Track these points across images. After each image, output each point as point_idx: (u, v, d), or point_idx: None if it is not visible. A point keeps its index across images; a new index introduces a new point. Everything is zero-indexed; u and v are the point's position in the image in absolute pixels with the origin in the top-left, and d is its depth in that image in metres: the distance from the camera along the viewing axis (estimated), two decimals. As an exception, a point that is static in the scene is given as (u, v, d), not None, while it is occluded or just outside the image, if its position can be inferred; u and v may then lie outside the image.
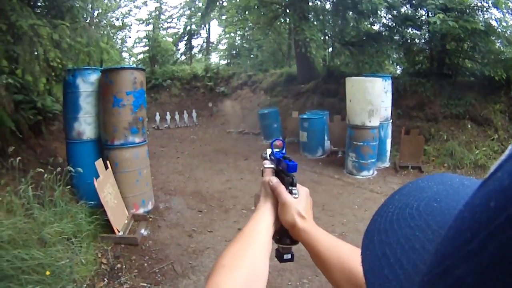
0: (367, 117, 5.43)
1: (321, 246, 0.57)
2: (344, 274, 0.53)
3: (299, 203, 0.61)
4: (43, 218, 2.93)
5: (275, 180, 0.63)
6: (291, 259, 0.63)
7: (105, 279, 2.81)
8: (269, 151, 0.72)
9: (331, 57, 8.41)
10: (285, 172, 0.64)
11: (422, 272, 0.19)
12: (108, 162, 3.58)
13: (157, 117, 9.49)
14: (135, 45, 13.47)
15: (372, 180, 5.43)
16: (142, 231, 3.58)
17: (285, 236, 0.62)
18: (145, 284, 2.78)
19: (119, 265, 3.01)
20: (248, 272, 0.51)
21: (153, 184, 4.95)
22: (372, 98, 5.36)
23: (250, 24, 10.13)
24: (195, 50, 14.84)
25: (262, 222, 0.60)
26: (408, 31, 7.23)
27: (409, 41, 7.35)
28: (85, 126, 3.76)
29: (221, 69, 12.06)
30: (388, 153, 6.11)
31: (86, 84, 3.68)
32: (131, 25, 11.78)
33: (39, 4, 3.50)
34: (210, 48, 14.59)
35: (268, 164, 0.69)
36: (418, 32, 7.21)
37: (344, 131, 5.92)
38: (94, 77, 3.70)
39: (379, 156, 5.87)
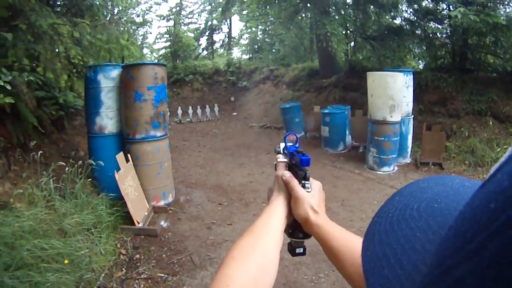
0: (388, 112, 5.25)
1: (333, 241, 0.56)
2: (357, 268, 0.51)
3: (312, 197, 0.60)
4: (64, 209, 3.01)
5: (288, 174, 0.63)
6: (303, 253, 0.63)
7: (123, 269, 2.85)
8: (282, 145, 0.71)
9: (353, 52, 8.10)
10: (298, 166, 0.63)
11: (423, 272, 0.19)
12: (129, 156, 3.63)
13: (179, 111, 9.59)
14: (156, 41, 13.71)
15: (392, 176, 5.25)
16: (162, 223, 3.61)
17: (297, 230, 0.62)
18: (162, 275, 2.80)
19: (137, 256, 3.05)
20: (258, 265, 0.50)
21: (174, 177, 5.00)
22: (394, 93, 5.17)
23: (272, 19, 9.97)
24: (217, 45, 14.90)
25: (275, 216, 0.59)
26: (429, 25, 6.88)
27: (430, 35, 7.01)
28: (107, 120, 3.83)
29: (243, 63, 11.99)
30: (409, 149, 5.89)
31: (108, 80, 3.74)
32: (151, 21, 11.91)
33: (58, 3, 3.54)
34: (231, 43, 14.54)
35: (281, 158, 0.69)
36: (439, 26, 6.86)
37: (365, 126, 5.74)
38: (115, 73, 3.75)
39: (400, 151, 5.66)
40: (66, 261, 2.22)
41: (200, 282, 2.71)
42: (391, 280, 0.21)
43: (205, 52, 14.67)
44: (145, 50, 12.83)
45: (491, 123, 5.96)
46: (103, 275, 2.71)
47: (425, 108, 6.58)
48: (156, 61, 13.60)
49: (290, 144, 0.70)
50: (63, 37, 3.09)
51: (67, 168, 3.26)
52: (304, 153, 0.63)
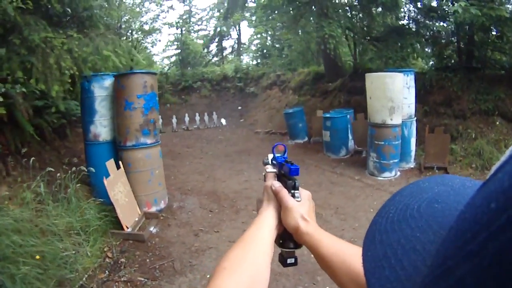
0: (388, 114, 5.09)
1: (325, 249, 0.56)
2: (350, 276, 0.52)
3: (302, 206, 0.61)
4: (55, 212, 3.16)
5: (277, 184, 0.64)
6: (295, 263, 0.63)
7: (107, 271, 2.94)
8: (270, 156, 0.72)
9: (359, 54, 8.00)
10: (288, 176, 0.64)
11: (423, 272, 0.19)
12: (120, 163, 3.75)
13: (186, 118, 9.78)
14: (167, 48, 14.07)
15: (394, 182, 5.08)
16: (151, 228, 3.70)
17: (288, 240, 0.62)
18: (142, 279, 2.86)
19: (123, 260, 3.13)
20: (249, 276, 0.51)
21: (171, 184, 5.13)
22: (393, 95, 5.02)
23: (279, 24, 10.01)
24: (226, 51, 15.11)
25: (264, 226, 0.60)
26: (433, 23, 6.65)
27: (435, 34, 6.76)
28: (101, 128, 3.98)
29: (251, 69, 12.08)
30: (413, 153, 5.69)
31: (101, 89, 3.90)
32: (160, 29, 12.25)
33: (56, 15, 3.75)
34: (241, 49, 14.71)
35: (270, 168, 0.70)
36: (444, 24, 6.61)
37: (367, 130, 5.61)
38: (108, 82, 3.91)
39: (403, 156, 5.49)
40: (37, 257, 2.33)
41: None
42: (392, 280, 0.21)
43: (215, 59, 14.93)
44: (157, 58, 13.21)
45: (498, 123, 5.69)
46: (86, 276, 2.81)
47: (431, 109, 6.37)
48: (166, 68, 13.99)
49: (279, 154, 0.71)
50: (57, 49, 3.27)
51: (58, 174, 3.43)
52: (293, 162, 0.64)
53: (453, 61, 6.81)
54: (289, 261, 0.62)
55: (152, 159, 3.94)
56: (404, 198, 0.28)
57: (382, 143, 5.20)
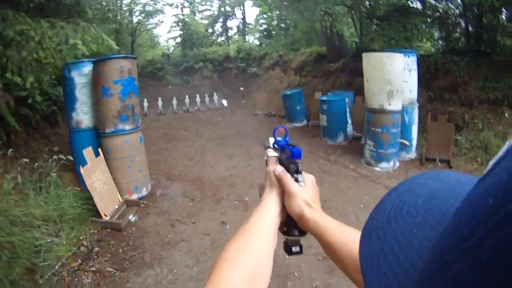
0: (386, 99, 4.75)
1: (331, 236, 0.55)
2: (356, 264, 0.49)
3: (306, 191, 0.59)
4: (34, 201, 3.18)
5: (280, 169, 0.61)
6: (300, 252, 0.60)
7: (80, 260, 2.96)
8: (272, 139, 0.70)
9: (360, 33, 7.54)
10: (290, 159, 0.62)
11: (420, 268, 0.19)
12: (100, 150, 3.72)
13: (187, 100, 9.66)
14: (172, 29, 13.76)
15: (391, 174, 4.80)
16: (130, 216, 3.70)
17: (292, 227, 0.60)
18: (111, 269, 2.88)
19: (97, 249, 3.16)
20: (251, 266, 0.50)
21: (160, 169, 5.11)
22: (391, 77, 4.66)
23: (285, 3, 9.53)
24: (232, 31, 14.66)
25: (266, 214, 0.58)
26: (439, 2, 6.12)
27: (442, 15, 6.23)
28: (82, 115, 3.94)
29: (254, 49, 11.71)
30: (415, 142, 5.35)
31: (81, 76, 3.84)
32: (162, 10, 11.89)
33: (37, 4, 3.63)
34: (246, 29, 14.23)
35: (271, 152, 0.67)
36: (451, 5, 6.06)
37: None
38: (87, 69, 3.83)
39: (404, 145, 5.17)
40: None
41: (143, 281, 2.75)
42: (389, 276, 0.21)
43: (220, 39, 14.53)
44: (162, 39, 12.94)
45: (507, 114, 5.29)
46: (59, 264, 2.85)
47: (435, 95, 5.98)
48: (172, 49, 13.77)
49: (280, 138, 0.68)
50: (33, 41, 3.17)
51: (36, 164, 3.42)
52: (295, 145, 0.62)
53: (460, 44, 6.32)
54: (294, 249, 0.60)
55: (132, 146, 3.89)
56: (400, 194, 0.28)
57: (380, 130, 4.91)
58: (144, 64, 11.03)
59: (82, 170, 3.35)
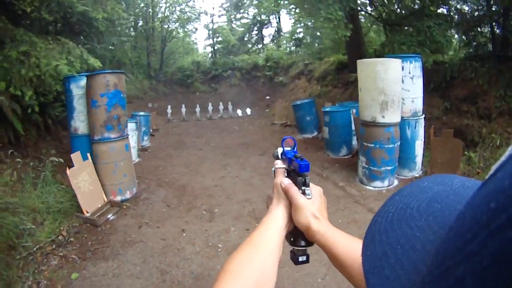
0: (378, 111, 4.60)
1: (337, 248, 0.58)
2: (361, 272, 0.68)
3: (313, 204, 0.62)
4: (27, 194, 4.04)
5: (287, 182, 0.65)
6: (307, 261, 0.64)
7: (54, 246, 3.67)
8: (280, 150, 0.73)
9: (383, 40, 7.38)
10: (297, 172, 0.65)
11: (423, 272, 0.20)
12: (88, 154, 4.48)
13: (210, 107, 10.40)
14: (209, 37, 14.80)
15: (383, 194, 4.67)
16: (110, 215, 4.36)
17: (299, 238, 0.63)
18: (75, 257, 3.52)
19: (72, 239, 3.85)
20: (255, 279, 0.53)
21: (155, 174, 5.78)
22: (385, 86, 4.50)
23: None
24: (268, 39, 15.24)
25: (273, 226, 0.61)
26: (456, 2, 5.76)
27: (464, 17, 5.84)
28: (79, 123, 4.76)
29: (282, 58, 12.06)
30: (419, 159, 5.11)
31: (78, 89, 4.65)
32: (198, 17, 12.93)
33: (45, 24, 4.56)
34: (280, 37, 14.68)
35: (279, 164, 0.71)
36: (472, 5, 5.65)
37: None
38: (83, 82, 4.62)
39: (405, 162, 5.02)
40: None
41: (95, 270, 3.31)
42: (392, 280, 0.22)
43: (256, 47, 15.22)
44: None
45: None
46: (37, 247, 3.59)
47: (452, 106, 5.67)
48: (208, 56, 14.78)
49: (288, 148, 0.71)
50: (35, 58, 4.07)
51: (31, 163, 4.31)
52: (303, 158, 0.65)
53: (485, 49, 5.86)
54: (300, 259, 0.64)
55: (116, 152, 4.57)
56: (403, 198, 0.29)
57: (372, 145, 4.76)
58: (174, 71, 12.19)
59: (68, 172, 4.11)
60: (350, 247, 0.56)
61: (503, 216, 0.13)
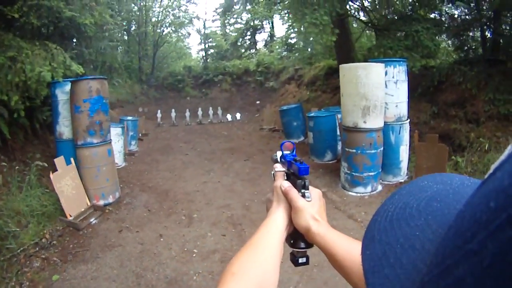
0: (360, 116, 4.69)
1: (337, 249, 0.59)
2: (360, 273, 0.72)
3: (313, 206, 0.64)
4: (11, 197, 4.18)
5: (286, 185, 0.67)
6: (307, 263, 0.66)
7: (37, 248, 3.81)
8: (279, 153, 0.76)
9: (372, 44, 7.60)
10: (297, 175, 0.67)
11: (422, 271, 0.20)
12: (72, 159, 4.63)
13: (199, 112, 10.58)
14: (201, 42, 15.08)
15: (365, 200, 4.78)
16: (92, 219, 4.51)
17: (299, 240, 0.65)
18: (56, 259, 3.66)
19: (55, 242, 3.99)
20: (257, 280, 0.55)
21: (139, 179, 5.93)
22: (367, 91, 4.57)
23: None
24: (259, 45, 15.53)
25: (273, 229, 0.63)
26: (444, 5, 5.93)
27: (455, 21, 6.05)
28: (64, 128, 4.93)
29: (272, 63, 12.31)
30: (405, 164, 5.19)
31: (63, 94, 4.83)
32: (190, 21, 13.18)
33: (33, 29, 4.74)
34: (273, 42, 14.95)
35: (279, 167, 0.73)
36: (465, 9, 5.84)
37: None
38: (68, 87, 4.79)
39: (389, 167, 5.12)
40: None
41: (75, 272, 3.47)
42: (391, 279, 0.22)
43: (248, 52, 15.46)
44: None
45: (518, 133, 4.95)
46: (21, 249, 3.73)
47: (440, 110, 5.84)
48: (201, 61, 15.00)
49: (287, 152, 0.74)
50: (21, 63, 4.24)
51: (17, 167, 4.46)
52: (302, 161, 0.68)
53: (475, 52, 6.04)
54: (300, 260, 0.65)
55: (98, 157, 4.72)
56: (403, 197, 0.29)
57: (354, 151, 4.85)
58: (165, 76, 12.42)
59: (51, 176, 4.26)
60: (350, 249, 0.58)
61: (503, 216, 0.13)
